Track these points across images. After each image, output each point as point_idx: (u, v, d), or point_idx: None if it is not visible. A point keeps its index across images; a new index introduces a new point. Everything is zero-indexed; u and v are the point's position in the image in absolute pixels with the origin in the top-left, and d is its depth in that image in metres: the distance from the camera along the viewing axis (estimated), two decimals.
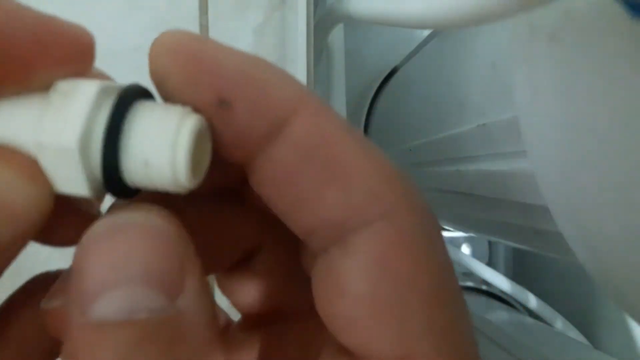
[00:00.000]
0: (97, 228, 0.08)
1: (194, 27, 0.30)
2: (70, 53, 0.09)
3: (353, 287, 0.09)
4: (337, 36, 0.25)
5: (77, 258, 0.08)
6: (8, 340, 0.10)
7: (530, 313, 0.37)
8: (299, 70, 0.17)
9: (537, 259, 0.43)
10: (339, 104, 0.24)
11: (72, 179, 0.09)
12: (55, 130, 0.08)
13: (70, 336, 0.08)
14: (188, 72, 0.09)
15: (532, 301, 0.37)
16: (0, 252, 0.08)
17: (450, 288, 0.10)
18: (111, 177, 0.09)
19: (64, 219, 0.10)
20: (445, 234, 0.41)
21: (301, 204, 0.09)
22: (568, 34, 0.10)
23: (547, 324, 0.36)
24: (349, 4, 0.18)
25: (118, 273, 0.08)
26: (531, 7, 0.09)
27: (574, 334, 0.35)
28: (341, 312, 0.09)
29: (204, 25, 0.41)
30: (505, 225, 0.21)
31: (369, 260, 0.09)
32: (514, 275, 0.45)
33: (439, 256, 0.10)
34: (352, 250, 0.09)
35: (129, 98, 0.09)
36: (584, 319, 0.36)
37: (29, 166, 0.09)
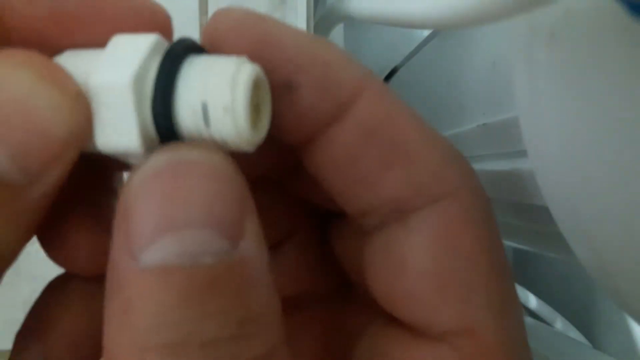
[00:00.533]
0: (153, 163, 0.07)
1: (194, 27, 0.30)
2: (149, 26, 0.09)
3: (417, 262, 0.09)
4: (337, 36, 0.25)
5: (127, 198, 0.07)
6: (57, 333, 0.10)
7: (530, 313, 0.37)
8: None
9: (537, 259, 0.43)
10: None
11: (123, 126, 0.08)
12: (109, 70, 0.08)
13: (124, 286, 0.07)
14: (254, 54, 0.08)
15: (532, 301, 0.37)
16: (32, 187, 0.07)
17: (505, 265, 0.10)
18: (165, 125, 0.08)
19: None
20: None
21: (362, 183, 0.09)
22: (568, 34, 0.10)
23: (547, 324, 0.36)
24: (349, 4, 0.18)
25: (179, 214, 0.07)
26: (531, 7, 0.09)
27: (574, 334, 0.35)
28: (403, 287, 0.09)
29: (204, 25, 0.41)
30: (505, 225, 0.21)
31: (433, 236, 0.09)
32: (514, 275, 0.45)
33: (496, 235, 0.10)
34: (415, 227, 0.09)
35: (184, 45, 0.08)
36: (584, 319, 0.36)
37: (53, 69, 0.08)
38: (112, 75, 0.08)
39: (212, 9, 0.43)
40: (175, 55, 0.08)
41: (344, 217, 0.11)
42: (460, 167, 0.10)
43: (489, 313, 0.09)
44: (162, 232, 0.07)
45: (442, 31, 0.26)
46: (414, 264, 0.09)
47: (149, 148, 0.08)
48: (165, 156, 0.07)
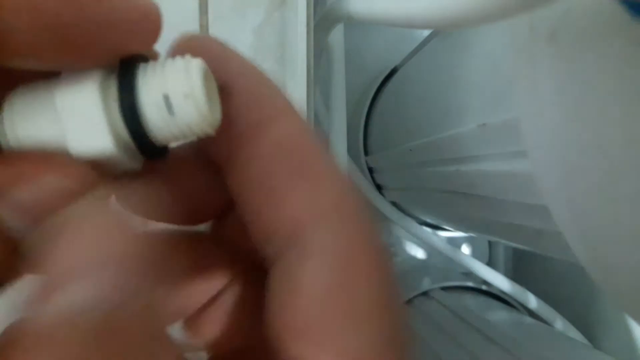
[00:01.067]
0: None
1: (194, 27, 0.30)
2: (139, 29, 0.09)
3: (309, 285, 0.09)
4: (337, 36, 0.25)
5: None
6: None
7: (530, 313, 0.37)
8: (299, 70, 0.17)
9: (537, 259, 0.43)
10: (339, 104, 0.24)
11: (95, 132, 0.09)
12: (73, 85, 0.09)
13: None
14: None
15: (532, 301, 0.37)
16: None
17: (397, 300, 0.10)
18: (134, 123, 0.09)
19: None
20: (445, 234, 0.41)
21: (270, 201, 0.10)
22: (568, 34, 0.10)
23: (547, 324, 0.36)
24: (349, 4, 0.18)
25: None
26: (531, 7, 0.09)
27: (574, 334, 0.35)
28: (295, 315, 0.09)
29: (204, 25, 0.41)
30: (505, 225, 0.21)
31: (327, 259, 0.09)
32: (514, 275, 0.45)
33: (389, 267, 0.10)
34: (309, 251, 0.09)
35: (133, 56, 0.09)
36: (584, 319, 0.36)
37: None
38: (78, 87, 0.09)
39: (212, 9, 0.43)
40: (129, 63, 0.09)
41: None
42: (356, 197, 0.10)
43: (376, 348, 0.09)
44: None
45: (442, 31, 0.26)
46: (306, 287, 0.09)
47: (124, 149, 0.09)
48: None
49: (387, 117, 0.35)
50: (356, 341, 0.09)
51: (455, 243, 0.46)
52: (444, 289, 0.40)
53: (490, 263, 0.47)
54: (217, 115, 0.09)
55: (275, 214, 0.10)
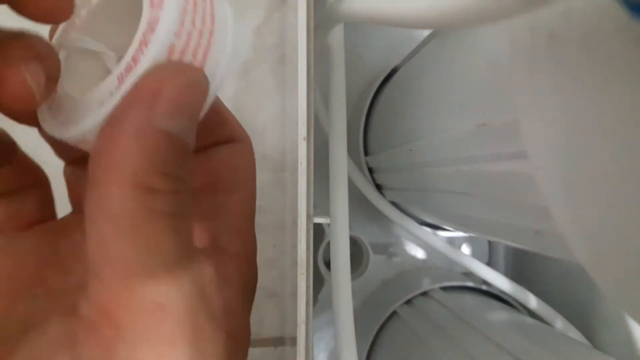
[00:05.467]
0: (178, 79, 0.12)
1: None
2: None
3: None
4: (337, 36, 0.25)
5: (157, 84, 0.12)
6: None
7: (530, 313, 0.37)
8: (299, 70, 0.17)
9: (537, 259, 0.43)
10: (339, 104, 0.24)
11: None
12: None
13: (138, 137, 0.11)
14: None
15: (532, 301, 0.37)
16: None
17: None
18: None
19: None
20: (445, 234, 0.41)
21: None
22: (568, 34, 0.10)
23: (547, 324, 0.36)
24: (349, 4, 0.18)
25: (182, 109, 0.12)
26: (531, 7, 0.09)
27: (574, 334, 0.35)
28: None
29: None
30: (505, 225, 0.21)
31: None
32: (514, 275, 0.45)
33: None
34: None
35: None
36: (584, 319, 0.36)
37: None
38: None
39: None
40: None
41: None
42: (246, 133, 0.17)
43: (249, 185, 0.17)
44: (175, 115, 0.12)
45: (442, 31, 0.26)
46: (218, 157, 0.17)
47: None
48: (183, 79, 0.12)
49: (387, 117, 0.35)
50: None
51: (455, 243, 0.46)
52: (444, 289, 0.40)
53: (490, 263, 0.47)
54: None
55: (206, 140, 0.16)
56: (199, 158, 0.16)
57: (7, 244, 0.15)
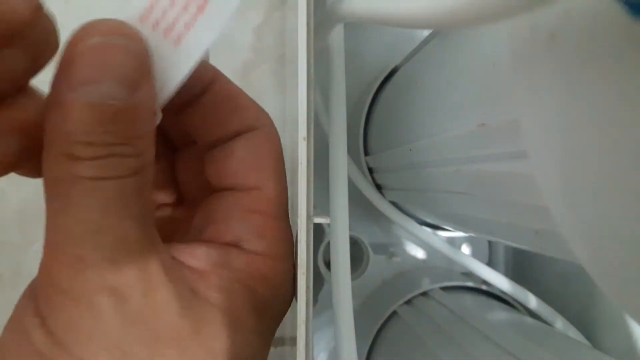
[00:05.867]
0: (93, 40, 0.12)
1: None
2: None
3: (238, 154, 0.17)
4: (337, 36, 0.25)
5: (72, 55, 0.11)
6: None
7: (530, 313, 0.37)
8: (299, 70, 0.17)
9: (537, 259, 0.43)
10: (339, 104, 0.24)
11: None
12: None
13: (59, 108, 0.11)
14: None
15: (532, 301, 0.37)
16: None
17: (282, 165, 0.18)
18: None
19: None
20: (445, 234, 0.41)
21: (219, 124, 0.17)
22: (568, 33, 0.10)
23: (547, 324, 0.36)
24: (349, 4, 0.18)
25: (102, 73, 0.11)
26: (531, 7, 0.09)
27: (574, 334, 0.35)
28: (230, 165, 0.17)
29: None
30: (505, 225, 0.21)
31: (248, 144, 0.17)
32: (514, 275, 0.45)
33: (280, 152, 0.18)
34: (242, 141, 0.17)
35: None
36: (584, 319, 0.36)
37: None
38: None
39: None
40: None
41: (189, 148, 0.19)
42: (266, 116, 0.18)
43: (272, 179, 0.17)
44: (93, 81, 0.11)
45: (442, 31, 0.26)
46: (237, 154, 0.17)
47: None
48: (100, 38, 0.12)
49: (387, 117, 0.35)
50: (262, 175, 0.17)
51: (455, 243, 0.46)
52: (444, 289, 0.40)
53: (490, 263, 0.47)
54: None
55: (222, 130, 0.17)
56: (218, 153, 0.17)
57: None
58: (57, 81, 0.12)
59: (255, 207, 0.16)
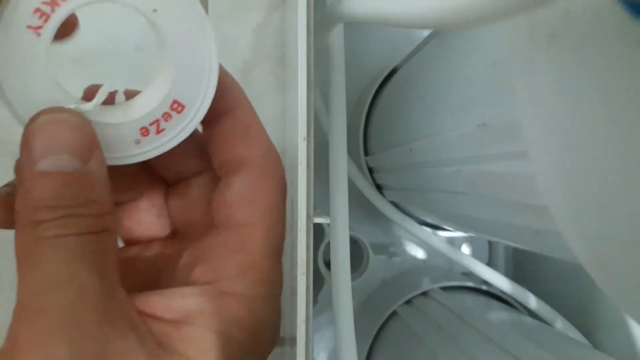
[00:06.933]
0: (42, 119, 0.14)
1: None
2: None
3: (236, 187, 0.17)
4: (337, 36, 0.25)
5: (28, 136, 0.13)
6: None
7: (530, 313, 0.37)
8: (299, 70, 0.17)
9: (537, 259, 0.43)
10: (339, 104, 0.24)
11: None
12: None
13: (24, 183, 0.13)
14: None
15: (532, 301, 0.37)
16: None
17: (282, 208, 0.18)
18: None
19: None
20: (445, 234, 0.41)
21: (230, 147, 0.17)
22: (568, 33, 0.10)
23: (547, 324, 0.36)
24: (349, 4, 0.18)
25: (56, 147, 0.13)
26: (531, 7, 0.09)
27: (574, 334, 0.35)
28: (227, 198, 0.17)
29: None
30: (505, 225, 0.21)
31: (247, 178, 0.17)
32: (514, 275, 0.45)
33: (283, 188, 0.18)
34: (244, 174, 0.17)
35: None
36: (584, 319, 0.36)
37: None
38: None
39: (212, 9, 0.43)
40: None
41: (182, 184, 0.19)
42: (274, 152, 0.18)
43: (265, 217, 0.17)
44: (48, 154, 0.13)
45: (442, 31, 0.26)
46: (234, 187, 0.17)
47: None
48: (49, 116, 0.14)
49: (387, 117, 0.35)
50: (255, 209, 0.16)
51: (455, 243, 0.46)
52: (444, 289, 0.40)
53: (490, 263, 0.47)
54: None
55: (231, 153, 0.17)
56: (219, 186, 0.17)
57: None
58: (20, 161, 0.14)
59: (242, 245, 0.16)
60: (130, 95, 0.16)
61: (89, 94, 0.15)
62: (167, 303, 0.15)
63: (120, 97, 0.16)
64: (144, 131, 0.15)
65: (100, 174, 0.14)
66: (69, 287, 0.13)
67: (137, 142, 0.15)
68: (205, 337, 0.14)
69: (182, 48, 0.15)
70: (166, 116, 0.15)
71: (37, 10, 0.13)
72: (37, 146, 0.13)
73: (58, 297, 0.12)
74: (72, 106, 0.14)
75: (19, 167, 0.14)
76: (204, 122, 0.16)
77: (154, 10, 0.14)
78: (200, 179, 0.19)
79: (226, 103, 0.17)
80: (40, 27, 0.13)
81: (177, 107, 0.15)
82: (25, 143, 0.13)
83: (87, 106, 0.14)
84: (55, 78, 0.14)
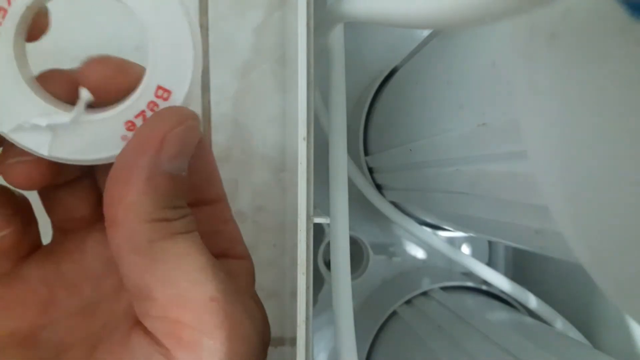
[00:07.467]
0: (175, 122, 0.14)
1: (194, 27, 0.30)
2: None
3: None
4: (337, 36, 0.25)
5: (158, 136, 0.13)
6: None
7: (530, 313, 0.37)
8: (299, 70, 0.17)
9: (537, 259, 0.43)
10: (339, 104, 0.24)
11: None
12: None
13: (139, 178, 0.13)
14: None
15: (532, 301, 0.37)
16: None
17: None
18: None
19: None
20: (445, 234, 0.41)
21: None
22: (568, 33, 0.10)
23: (547, 324, 0.36)
24: (349, 4, 0.18)
25: (184, 151, 0.14)
26: (531, 7, 0.09)
27: (574, 334, 0.35)
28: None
29: (203, 26, 0.41)
30: (505, 225, 0.21)
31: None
32: (514, 275, 0.45)
33: None
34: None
35: None
36: (584, 319, 0.36)
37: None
38: None
39: (212, 9, 0.43)
40: None
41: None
42: (247, 252, 0.18)
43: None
44: (174, 157, 0.14)
45: (442, 31, 0.26)
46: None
47: None
48: (186, 124, 0.14)
49: (387, 117, 0.35)
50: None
51: (455, 243, 0.46)
52: (444, 289, 0.40)
53: (490, 263, 0.47)
54: None
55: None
56: None
57: (15, 274, 0.16)
58: (146, 157, 0.13)
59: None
60: None
61: (41, 79, 0.14)
62: None
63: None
64: (130, 125, 0.14)
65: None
66: (220, 274, 0.14)
67: (124, 138, 0.14)
68: None
69: (156, 27, 0.14)
70: (152, 105, 0.14)
71: None
72: (170, 147, 0.13)
73: (215, 283, 0.14)
74: (43, 123, 0.13)
75: (124, 157, 0.14)
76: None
77: None
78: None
79: (207, 194, 0.17)
80: None
81: (163, 93, 0.14)
82: (157, 138, 0.13)
83: (62, 118, 0.14)
84: (28, 79, 0.13)
